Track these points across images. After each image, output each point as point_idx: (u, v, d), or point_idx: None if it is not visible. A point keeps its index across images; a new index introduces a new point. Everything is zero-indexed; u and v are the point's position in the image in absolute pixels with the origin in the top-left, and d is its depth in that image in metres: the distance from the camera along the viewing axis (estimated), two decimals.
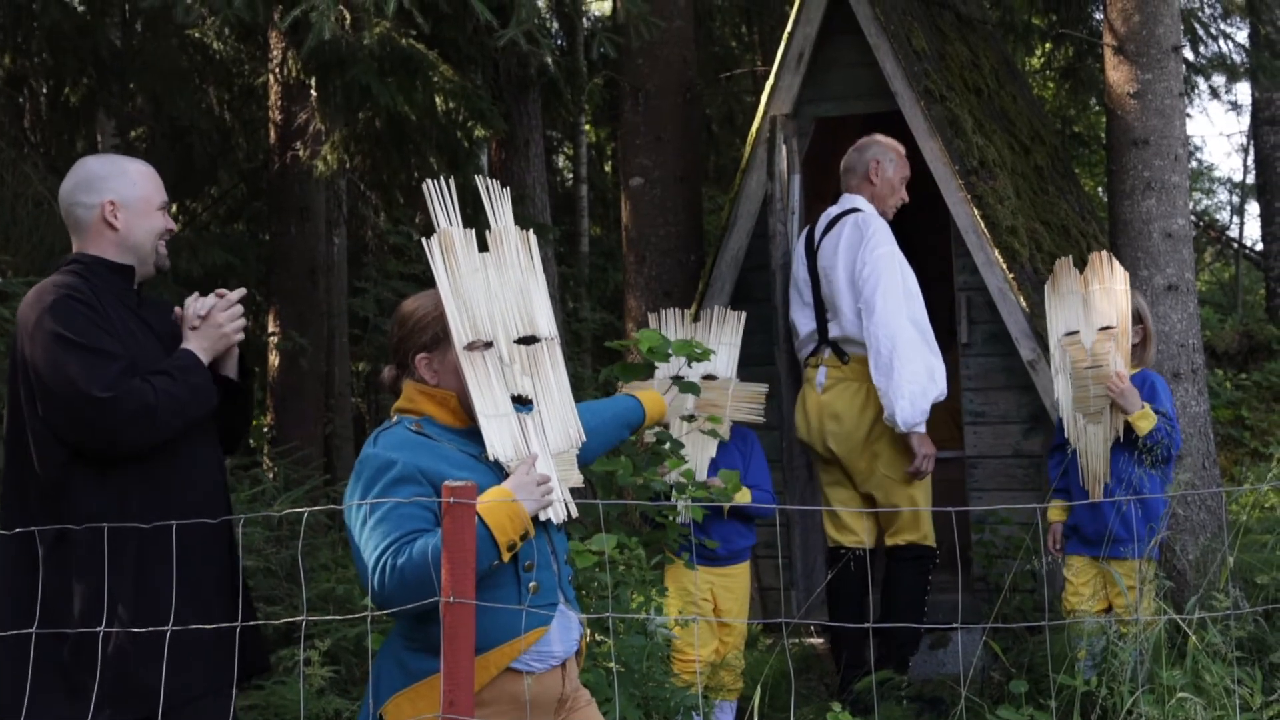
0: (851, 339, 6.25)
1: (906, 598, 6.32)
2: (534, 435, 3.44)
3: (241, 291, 3.99)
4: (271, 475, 8.05)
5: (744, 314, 6.09)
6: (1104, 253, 5.86)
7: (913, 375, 5.97)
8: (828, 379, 6.34)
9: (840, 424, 6.29)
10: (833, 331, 6.33)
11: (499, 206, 3.60)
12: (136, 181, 3.85)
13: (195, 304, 3.90)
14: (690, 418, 5.74)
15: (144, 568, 3.64)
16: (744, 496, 5.69)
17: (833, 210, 6.46)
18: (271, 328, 10.34)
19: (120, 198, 3.82)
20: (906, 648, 6.38)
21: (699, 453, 5.81)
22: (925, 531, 6.34)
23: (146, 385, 3.62)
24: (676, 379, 5.43)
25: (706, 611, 5.87)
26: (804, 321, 6.46)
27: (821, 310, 6.38)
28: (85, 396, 3.55)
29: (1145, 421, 5.55)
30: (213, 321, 3.87)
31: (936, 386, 6.03)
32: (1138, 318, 5.75)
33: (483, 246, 3.54)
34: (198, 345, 3.83)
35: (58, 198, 3.90)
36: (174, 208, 10.65)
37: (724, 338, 6.00)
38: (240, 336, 3.95)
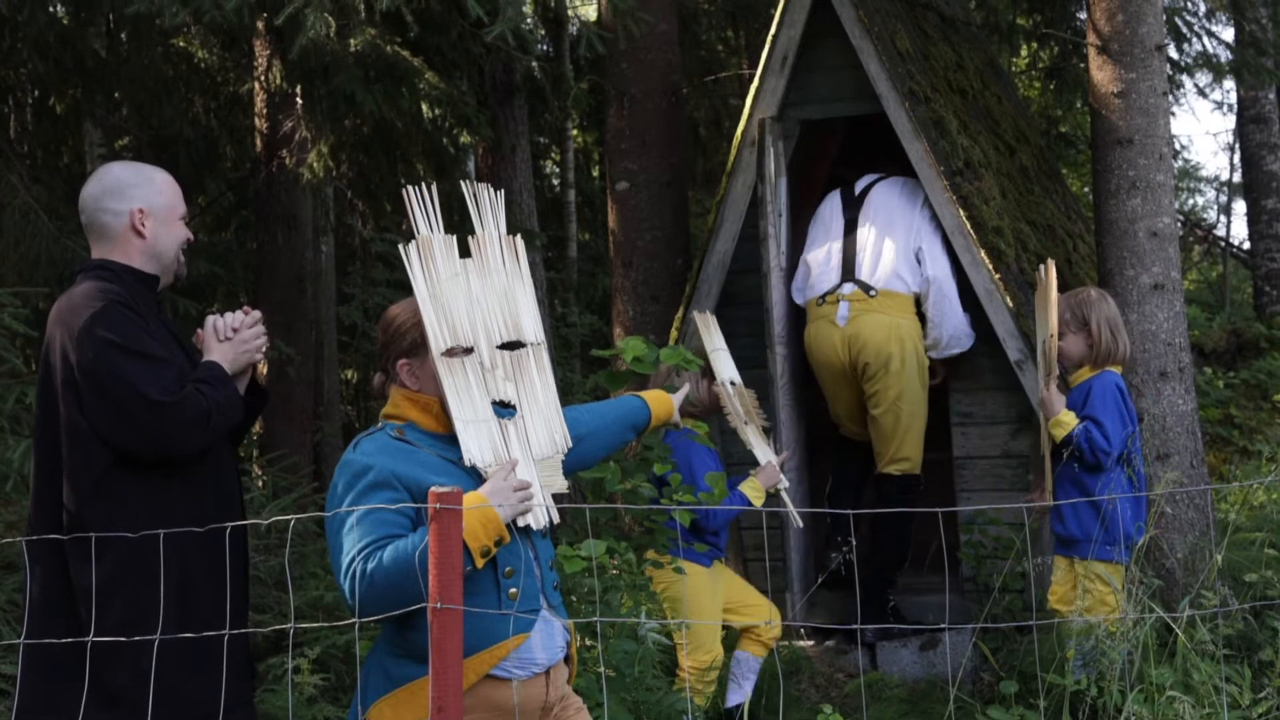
0: (887, 274, 6.87)
1: (893, 520, 6.87)
2: (516, 440, 3.43)
3: (259, 315, 4.01)
4: (260, 483, 8.03)
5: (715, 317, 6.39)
6: (1048, 260, 5.98)
7: (960, 315, 6.92)
8: (851, 312, 6.88)
9: (867, 352, 6.84)
10: (862, 271, 6.91)
11: (493, 212, 3.60)
12: (163, 190, 3.88)
13: (221, 320, 3.93)
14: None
15: (187, 574, 3.66)
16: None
17: (869, 177, 7.22)
18: None
19: (149, 206, 3.84)
20: (892, 565, 6.98)
21: (768, 455, 5.92)
22: (915, 461, 6.98)
23: (198, 393, 3.66)
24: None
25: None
26: (826, 264, 7.02)
27: (850, 254, 6.96)
28: (146, 402, 3.58)
29: (1058, 429, 5.71)
30: (241, 338, 3.91)
31: (971, 332, 6.97)
32: (1084, 321, 5.82)
33: (468, 252, 3.54)
34: (222, 358, 3.86)
35: (79, 202, 3.90)
36: None
37: (723, 342, 6.14)
38: (261, 355, 3.98)
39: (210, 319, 3.94)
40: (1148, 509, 5.80)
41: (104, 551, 3.60)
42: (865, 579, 6.80)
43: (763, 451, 5.87)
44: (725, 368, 6.01)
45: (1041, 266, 6.02)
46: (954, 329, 6.92)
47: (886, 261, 6.91)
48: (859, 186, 7.22)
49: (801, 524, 6.00)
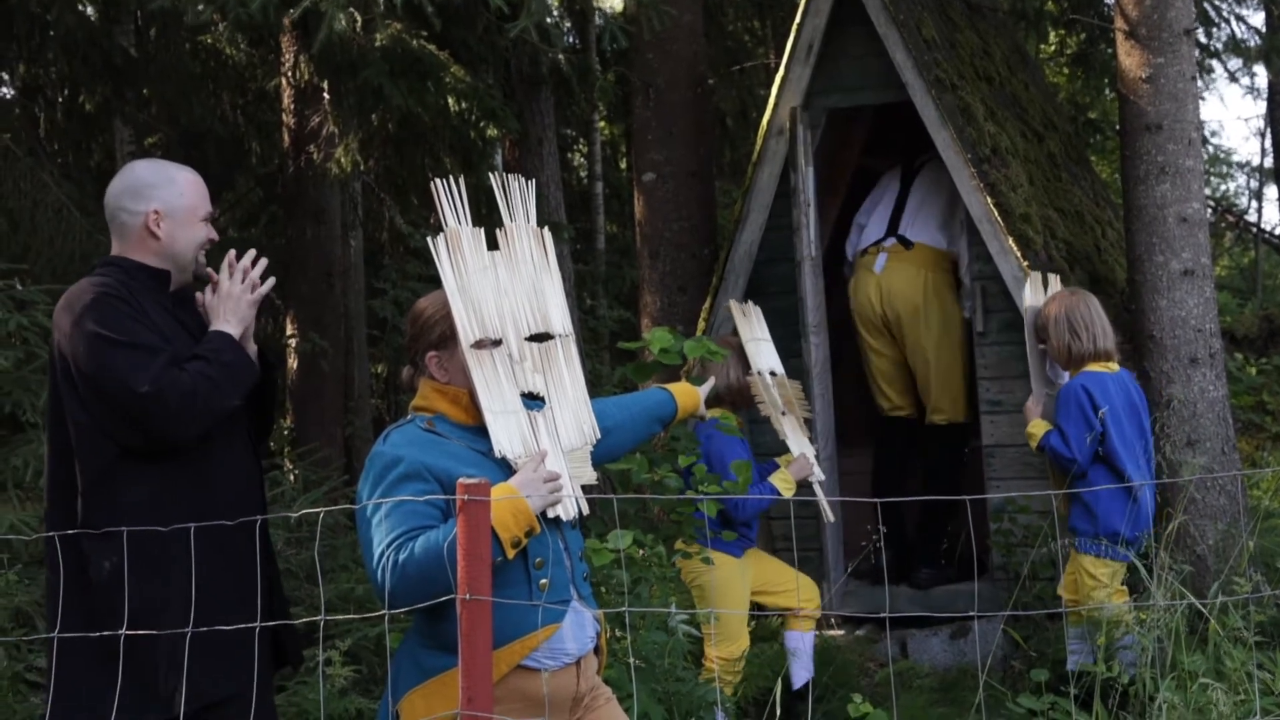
0: (925, 229, 7.32)
1: (942, 469, 7.38)
2: (545, 432, 3.44)
3: (251, 253, 3.95)
4: (292, 477, 8.08)
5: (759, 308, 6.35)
6: (1030, 275, 6.30)
7: None
8: (887, 262, 7.31)
9: (896, 300, 7.26)
10: (905, 228, 7.35)
11: (524, 202, 3.60)
12: (184, 191, 3.85)
13: (211, 285, 3.93)
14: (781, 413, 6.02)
15: (196, 564, 3.66)
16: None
17: (929, 154, 7.47)
18: (290, 330, 10.37)
19: (166, 207, 3.82)
20: (942, 517, 7.29)
21: (801, 447, 5.93)
22: (960, 408, 7.38)
23: (184, 374, 3.64)
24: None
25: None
26: (876, 222, 7.48)
27: (898, 214, 7.42)
28: (131, 393, 3.57)
29: (1031, 440, 5.96)
30: (227, 294, 3.88)
31: None
32: (1045, 325, 5.98)
33: (495, 245, 3.54)
34: (223, 323, 3.84)
35: (104, 198, 3.90)
36: None
37: (764, 331, 6.16)
38: (266, 288, 3.92)
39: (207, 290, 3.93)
40: (1154, 502, 5.81)
41: (111, 544, 3.63)
42: (921, 524, 7.40)
43: (797, 443, 5.87)
44: (762, 358, 6.02)
45: (1028, 281, 6.13)
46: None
47: (926, 218, 7.35)
48: (918, 161, 7.61)
49: (833, 518, 6.01)
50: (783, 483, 5.76)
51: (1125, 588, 5.69)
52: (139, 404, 3.58)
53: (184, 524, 3.55)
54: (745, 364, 5.98)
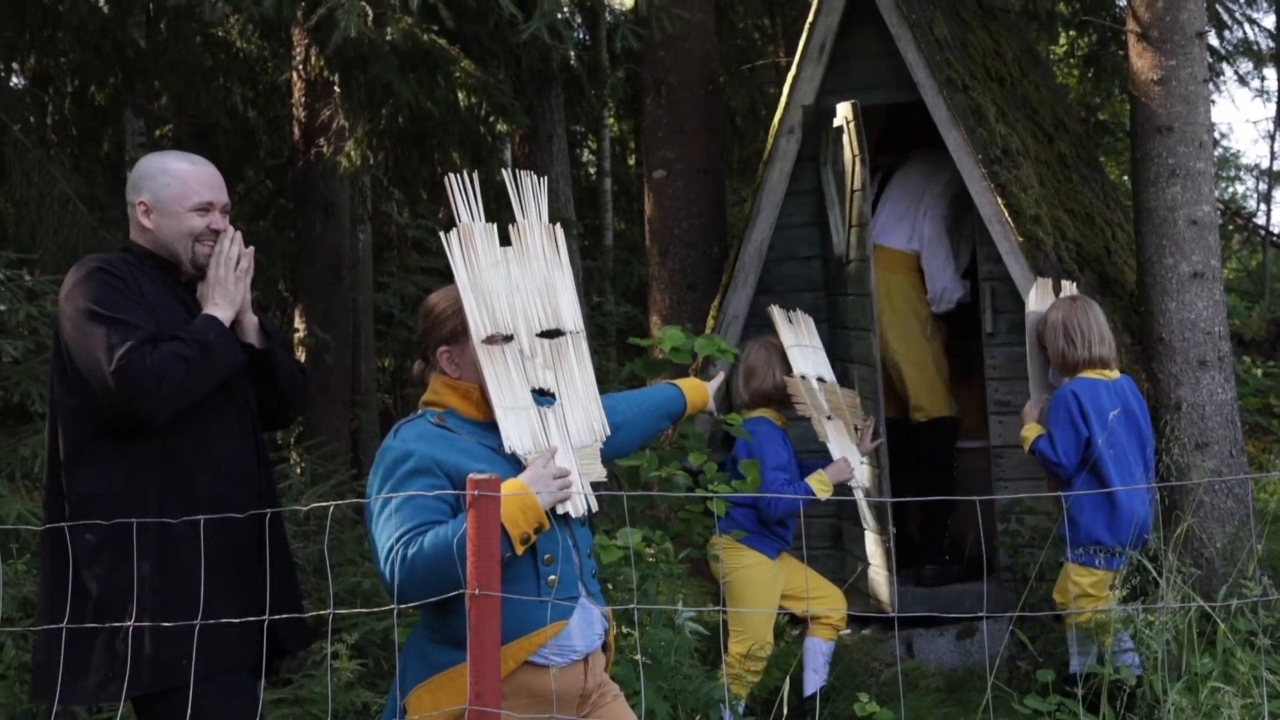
0: (887, 233, 7.42)
1: (935, 465, 7.48)
2: (555, 428, 3.44)
3: (227, 233, 3.92)
4: (299, 470, 8.07)
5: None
6: (1038, 280, 6.30)
7: (947, 273, 7.44)
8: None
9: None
10: (876, 231, 7.38)
11: (536, 198, 3.60)
12: (170, 183, 3.87)
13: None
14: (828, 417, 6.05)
15: (163, 547, 3.67)
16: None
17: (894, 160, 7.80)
18: (297, 324, 10.37)
19: (153, 198, 3.87)
20: (943, 514, 7.38)
21: (844, 451, 5.95)
22: (940, 403, 7.45)
23: (155, 353, 3.62)
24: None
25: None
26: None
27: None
28: (98, 367, 3.60)
29: (1024, 444, 5.98)
30: (214, 279, 3.87)
31: (958, 288, 7.47)
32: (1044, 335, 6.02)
33: (507, 240, 3.54)
34: (211, 306, 3.84)
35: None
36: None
37: (814, 339, 6.18)
38: (246, 265, 3.90)
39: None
40: (1150, 510, 5.79)
41: (85, 526, 3.65)
42: (921, 522, 7.54)
43: (838, 447, 5.90)
44: (805, 363, 6.03)
45: (1034, 286, 6.13)
46: (943, 284, 7.43)
47: (891, 223, 7.48)
48: (888, 164, 7.80)
49: (870, 524, 6.02)
50: (819, 484, 5.78)
51: (1118, 592, 5.67)
52: (106, 381, 3.59)
53: (195, 515, 3.56)
54: (788, 364, 6.00)
